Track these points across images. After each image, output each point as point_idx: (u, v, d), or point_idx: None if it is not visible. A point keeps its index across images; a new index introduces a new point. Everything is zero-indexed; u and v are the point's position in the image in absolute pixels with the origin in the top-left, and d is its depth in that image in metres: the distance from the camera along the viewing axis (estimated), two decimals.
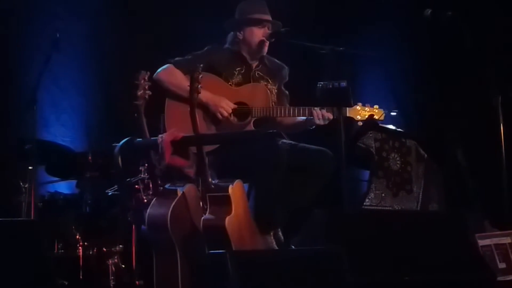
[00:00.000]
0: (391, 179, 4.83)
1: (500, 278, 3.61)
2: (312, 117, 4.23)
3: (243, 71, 4.36)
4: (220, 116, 4.20)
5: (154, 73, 4.19)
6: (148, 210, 3.58)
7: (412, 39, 5.76)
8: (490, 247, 3.73)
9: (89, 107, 5.84)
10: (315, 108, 4.21)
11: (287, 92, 4.53)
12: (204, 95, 4.09)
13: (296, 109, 4.28)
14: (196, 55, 4.32)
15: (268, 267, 3.05)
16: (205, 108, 4.22)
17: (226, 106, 4.20)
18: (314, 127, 4.30)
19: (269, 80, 4.42)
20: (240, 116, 4.27)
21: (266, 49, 4.38)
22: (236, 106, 4.24)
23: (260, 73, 4.41)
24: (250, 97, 4.28)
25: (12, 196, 4.68)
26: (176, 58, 4.30)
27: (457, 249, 3.52)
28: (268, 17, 4.37)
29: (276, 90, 4.44)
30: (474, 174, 5.03)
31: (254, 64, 4.42)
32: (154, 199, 3.64)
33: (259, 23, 4.34)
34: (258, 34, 4.34)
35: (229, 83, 4.32)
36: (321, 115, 4.20)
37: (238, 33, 4.38)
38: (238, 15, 4.41)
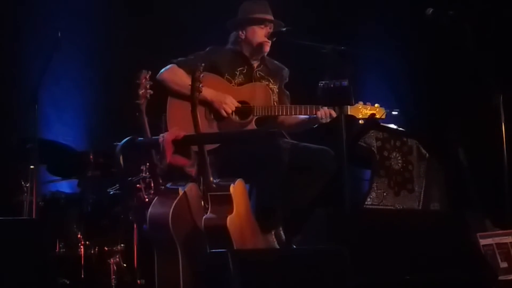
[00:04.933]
0: (392, 178, 4.82)
1: (501, 277, 3.61)
2: (315, 115, 4.24)
3: (245, 71, 4.38)
4: (224, 113, 4.20)
5: (156, 72, 4.19)
6: (149, 209, 3.58)
7: (413, 38, 5.76)
8: (492, 246, 3.73)
9: (90, 106, 5.85)
10: (318, 106, 4.22)
11: (287, 92, 4.53)
12: (208, 93, 4.11)
13: (297, 107, 4.29)
14: (199, 55, 4.32)
15: (269, 266, 3.06)
16: (208, 106, 4.23)
17: (230, 103, 4.21)
18: (316, 125, 4.31)
19: (270, 80, 4.43)
20: (242, 115, 4.28)
21: (267, 48, 4.39)
22: (239, 104, 4.25)
23: (261, 73, 4.43)
24: (252, 96, 4.28)
25: (13, 195, 4.68)
26: (179, 58, 4.31)
27: (459, 248, 3.52)
28: (270, 17, 4.39)
29: (277, 90, 4.45)
30: (475, 173, 5.02)
31: (256, 64, 4.43)
32: (155, 198, 3.64)
33: (261, 22, 4.35)
34: (259, 33, 4.35)
35: (231, 83, 4.33)
36: (325, 114, 4.20)
37: (240, 33, 4.39)
38: (240, 15, 4.43)
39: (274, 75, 4.46)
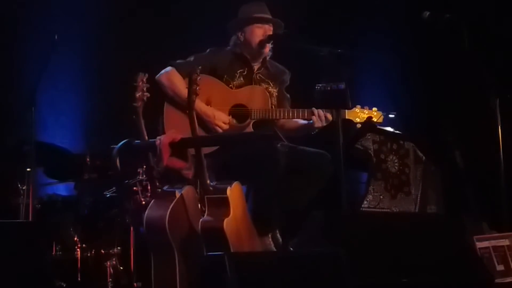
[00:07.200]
0: (389, 181, 4.83)
1: (498, 280, 3.61)
2: (312, 121, 4.24)
3: (244, 73, 4.38)
4: (219, 130, 4.21)
5: (153, 75, 4.19)
6: (146, 212, 3.58)
7: (410, 41, 5.77)
8: (488, 249, 3.73)
9: (87, 109, 5.84)
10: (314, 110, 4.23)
11: (288, 95, 4.54)
12: (199, 107, 4.09)
13: (295, 111, 4.29)
14: (198, 56, 4.34)
15: (266, 269, 3.05)
16: None
17: (220, 123, 4.21)
18: (315, 131, 4.31)
19: (270, 83, 4.43)
20: (239, 118, 4.28)
21: (267, 50, 4.40)
22: (230, 118, 4.24)
23: (261, 76, 4.43)
24: (249, 99, 4.29)
25: (10, 198, 4.67)
26: (178, 61, 4.32)
27: (455, 251, 3.52)
28: (268, 16, 4.39)
29: (276, 94, 4.46)
30: (472, 176, 5.03)
31: (256, 66, 4.44)
32: (152, 201, 3.63)
33: (260, 21, 4.36)
34: (258, 33, 4.36)
35: (230, 85, 4.33)
36: (320, 116, 4.20)
37: (239, 34, 4.40)
38: (239, 16, 4.44)
39: (274, 78, 4.47)
